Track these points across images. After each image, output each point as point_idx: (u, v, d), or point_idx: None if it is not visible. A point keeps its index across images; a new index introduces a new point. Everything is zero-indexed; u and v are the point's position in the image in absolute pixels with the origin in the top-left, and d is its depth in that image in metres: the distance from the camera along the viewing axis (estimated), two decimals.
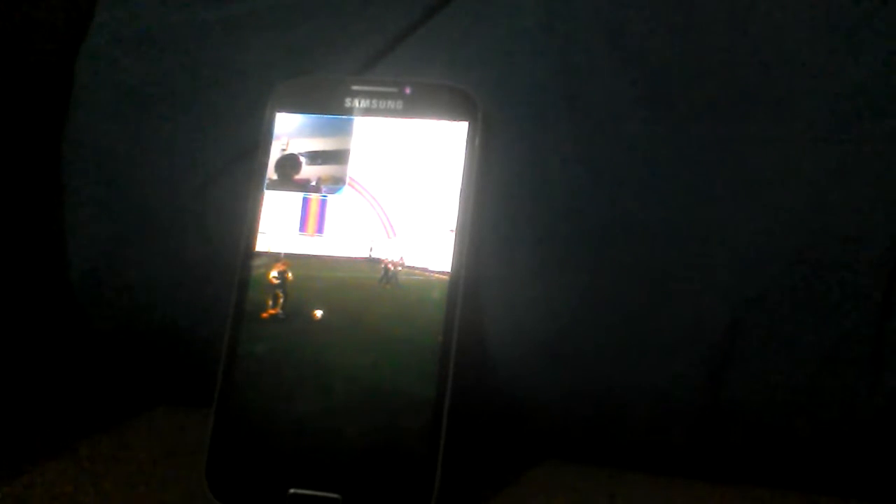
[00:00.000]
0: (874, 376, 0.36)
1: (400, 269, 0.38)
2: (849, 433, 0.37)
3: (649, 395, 0.37)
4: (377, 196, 0.39)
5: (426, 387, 0.35)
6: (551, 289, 0.38)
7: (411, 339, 0.36)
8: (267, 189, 0.39)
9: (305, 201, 0.39)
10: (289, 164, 0.39)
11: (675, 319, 0.37)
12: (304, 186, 0.39)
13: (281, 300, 0.38)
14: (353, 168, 0.39)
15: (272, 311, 0.37)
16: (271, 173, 0.39)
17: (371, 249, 0.38)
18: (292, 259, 0.38)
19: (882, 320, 0.36)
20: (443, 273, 0.37)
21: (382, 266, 0.38)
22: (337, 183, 0.39)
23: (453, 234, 0.37)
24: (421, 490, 0.34)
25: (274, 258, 0.38)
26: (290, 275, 0.38)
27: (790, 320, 0.36)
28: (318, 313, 0.37)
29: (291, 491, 0.35)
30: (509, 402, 0.39)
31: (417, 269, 0.38)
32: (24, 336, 0.44)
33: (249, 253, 0.38)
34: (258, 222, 0.39)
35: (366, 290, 0.38)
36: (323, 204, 0.39)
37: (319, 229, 0.39)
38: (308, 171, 0.39)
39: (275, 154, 0.39)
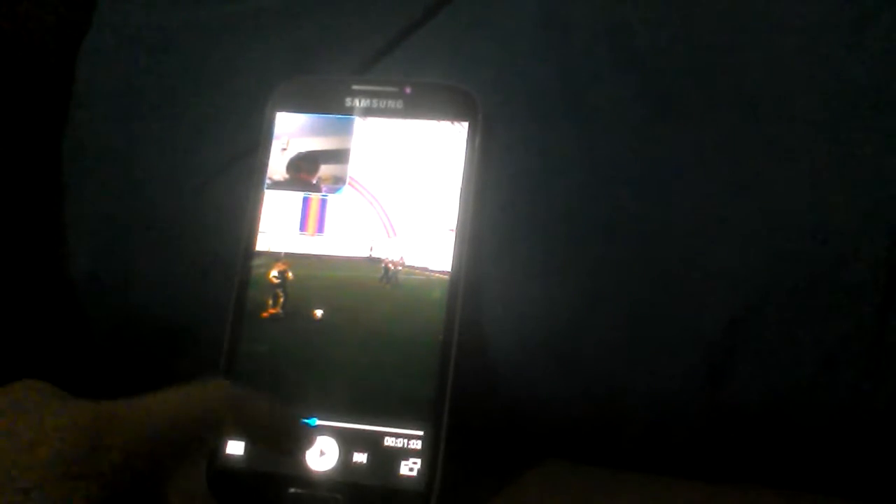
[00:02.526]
0: (874, 376, 0.36)
1: (400, 268, 0.38)
2: (849, 433, 0.37)
3: (649, 395, 0.37)
4: (377, 196, 0.39)
5: (426, 387, 0.35)
6: (551, 289, 0.38)
7: (411, 339, 0.36)
8: (267, 189, 0.39)
9: (306, 201, 0.39)
10: (289, 163, 0.39)
11: (676, 319, 0.37)
12: (304, 186, 0.39)
13: (281, 300, 0.38)
14: (353, 168, 0.39)
15: (272, 311, 0.37)
16: (272, 173, 0.39)
17: (371, 249, 0.38)
18: (292, 258, 0.38)
19: (882, 320, 0.36)
20: (443, 273, 0.37)
21: (382, 266, 0.38)
22: (337, 183, 0.39)
23: (453, 233, 0.37)
24: (421, 490, 0.34)
25: (274, 258, 0.38)
26: (290, 274, 0.38)
27: (790, 320, 0.36)
28: (319, 313, 0.37)
29: (292, 491, 0.35)
30: (509, 401, 0.39)
31: (417, 268, 0.38)
32: (24, 336, 0.44)
33: (249, 252, 0.38)
34: (258, 222, 0.39)
35: (366, 289, 0.38)
36: (323, 204, 0.39)
37: (320, 229, 0.39)
38: (308, 171, 0.39)
39: (275, 154, 0.39)
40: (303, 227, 0.39)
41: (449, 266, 0.37)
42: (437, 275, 0.37)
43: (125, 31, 0.44)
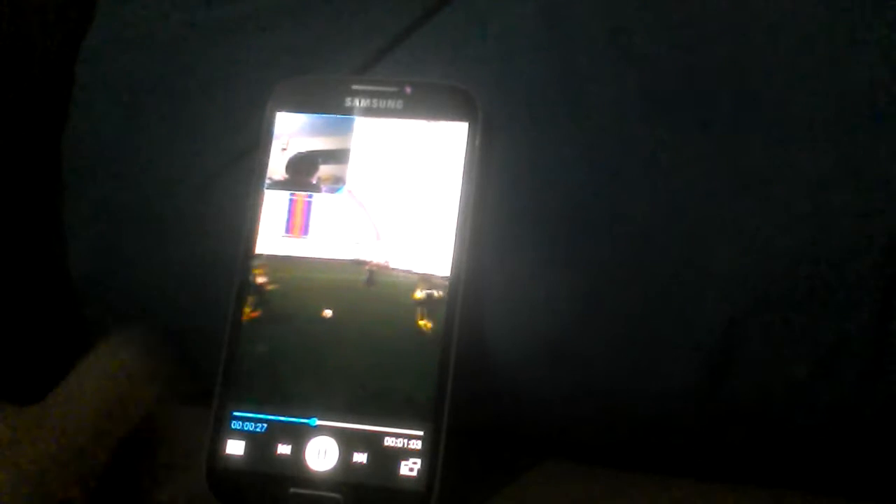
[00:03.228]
0: (874, 376, 0.36)
1: (400, 269, 0.38)
2: (849, 433, 0.37)
3: (649, 395, 0.37)
4: (377, 196, 0.39)
5: (426, 387, 0.35)
6: (551, 289, 0.38)
7: (411, 340, 0.36)
8: (267, 189, 0.39)
9: (308, 202, 0.39)
10: (289, 163, 0.39)
11: (676, 319, 0.37)
12: (304, 186, 0.39)
13: (270, 301, 0.37)
14: (353, 168, 0.39)
15: (253, 314, 0.37)
16: (272, 173, 0.39)
17: (370, 250, 0.38)
18: (292, 260, 0.38)
19: (882, 321, 0.36)
20: (443, 273, 0.37)
21: (382, 266, 0.38)
22: (337, 183, 0.39)
23: (453, 233, 0.37)
24: (421, 490, 0.34)
25: (274, 259, 0.38)
26: (283, 276, 0.38)
27: (790, 320, 0.36)
28: (326, 312, 0.37)
29: (292, 491, 0.35)
30: (509, 401, 0.39)
31: (417, 269, 0.37)
32: (23, 336, 0.44)
33: (249, 253, 0.38)
34: (258, 222, 0.39)
35: (366, 290, 0.37)
36: (322, 204, 0.39)
37: (319, 229, 0.39)
38: (308, 171, 0.39)
39: (275, 154, 0.39)
40: (299, 227, 0.39)
41: (449, 266, 0.37)
42: (436, 276, 0.37)
43: (125, 31, 0.44)
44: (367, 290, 0.38)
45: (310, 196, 0.39)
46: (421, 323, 0.36)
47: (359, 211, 0.38)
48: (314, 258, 0.38)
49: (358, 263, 0.38)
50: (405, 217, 0.38)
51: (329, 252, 0.38)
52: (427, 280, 0.37)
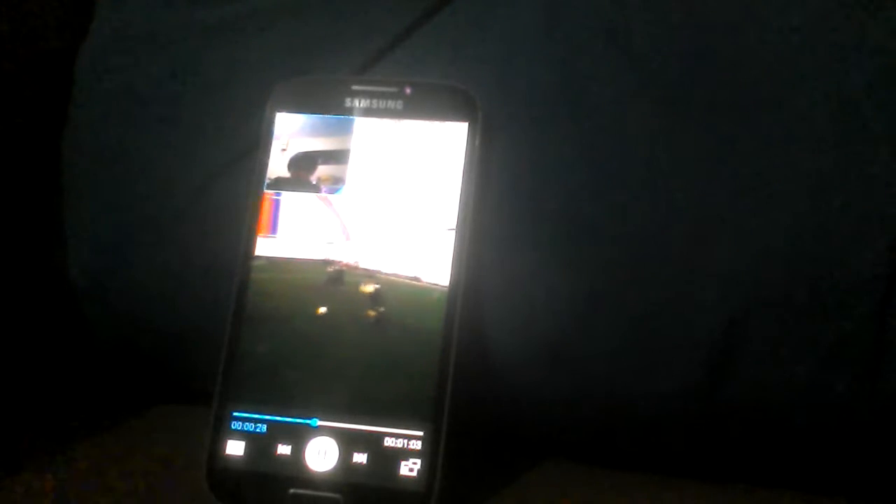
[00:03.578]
0: (874, 376, 0.36)
1: (400, 269, 0.38)
2: (848, 433, 0.37)
3: (649, 395, 0.37)
4: (376, 196, 0.39)
5: (426, 387, 0.35)
6: (551, 290, 0.38)
7: (413, 340, 0.36)
8: (267, 189, 0.39)
9: (311, 202, 0.39)
10: (289, 163, 0.39)
11: (675, 320, 0.37)
12: (303, 186, 0.39)
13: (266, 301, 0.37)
14: (352, 168, 0.39)
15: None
16: (272, 173, 0.39)
17: (369, 251, 0.38)
18: (297, 261, 0.38)
19: (882, 320, 0.36)
20: (443, 273, 0.37)
21: (381, 267, 0.38)
22: (337, 183, 0.39)
23: (453, 233, 0.37)
24: (421, 490, 0.34)
25: (268, 258, 0.38)
26: (279, 275, 0.38)
27: (790, 320, 0.36)
28: (322, 310, 0.37)
29: (292, 491, 0.35)
30: (509, 401, 0.39)
31: (417, 269, 0.37)
32: (23, 336, 0.44)
33: (249, 253, 0.38)
34: (258, 223, 0.39)
35: (367, 290, 0.37)
36: (330, 204, 0.39)
37: (273, 229, 0.38)
38: (308, 171, 0.39)
39: (275, 154, 0.39)
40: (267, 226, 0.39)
41: (449, 267, 0.37)
42: (436, 276, 0.37)
43: (125, 31, 0.44)
44: (383, 288, 0.37)
45: (278, 194, 0.39)
46: (370, 313, 0.37)
47: (369, 210, 0.38)
48: (303, 259, 0.38)
49: (371, 263, 0.38)
50: (405, 217, 0.38)
51: (340, 253, 0.38)
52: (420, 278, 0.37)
